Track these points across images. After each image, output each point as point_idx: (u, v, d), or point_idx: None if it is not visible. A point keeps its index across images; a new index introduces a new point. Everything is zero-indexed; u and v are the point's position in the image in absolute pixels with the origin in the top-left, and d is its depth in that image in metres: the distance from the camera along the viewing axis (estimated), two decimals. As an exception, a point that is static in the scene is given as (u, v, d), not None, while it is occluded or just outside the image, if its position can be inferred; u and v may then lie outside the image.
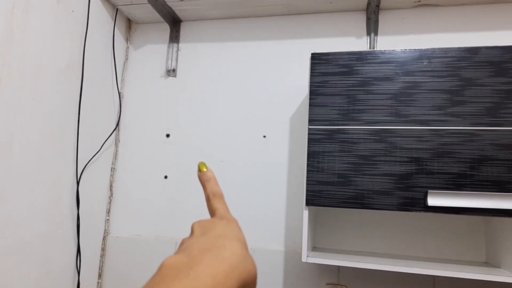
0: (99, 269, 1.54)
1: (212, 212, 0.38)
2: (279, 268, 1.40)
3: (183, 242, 0.33)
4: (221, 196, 0.40)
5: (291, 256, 1.40)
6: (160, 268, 0.27)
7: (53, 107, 1.26)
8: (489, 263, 1.23)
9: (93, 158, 1.48)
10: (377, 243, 1.35)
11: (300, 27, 1.55)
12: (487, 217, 1.23)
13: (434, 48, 1.12)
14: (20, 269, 1.15)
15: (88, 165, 1.45)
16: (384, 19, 1.47)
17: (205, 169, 0.42)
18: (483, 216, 1.06)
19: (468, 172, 1.04)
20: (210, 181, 0.41)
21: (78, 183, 1.38)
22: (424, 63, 1.12)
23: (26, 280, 1.17)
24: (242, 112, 1.55)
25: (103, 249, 1.56)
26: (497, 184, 1.03)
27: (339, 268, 1.35)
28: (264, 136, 1.51)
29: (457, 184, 1.04)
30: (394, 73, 1.13)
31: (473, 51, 1.10)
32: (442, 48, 1.12)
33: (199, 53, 1.64)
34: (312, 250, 1.28)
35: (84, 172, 1.42)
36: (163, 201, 1.56)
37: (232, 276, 0.27)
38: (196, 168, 1.55)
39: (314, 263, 1.35)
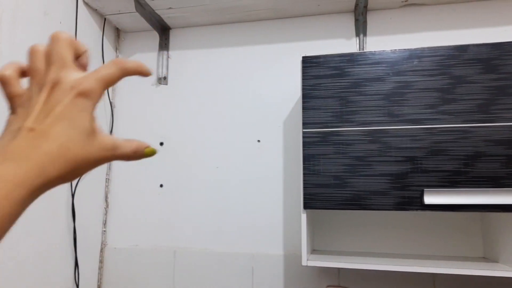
0: (98, 281, 1.53)
1: None
2: (279, 272, 1.40)
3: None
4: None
5: (291, 259, 1.40)
6: None
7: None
8: (487, 258, 1.24)
9: (87, 170, 1.46)
10: (376, 243, 1.35)
11: (289, 30, 1.56)
12: (483, 212, 1.25)
13: (423, 48, 1.13)
14: (17, 286, 1.14)
15: (82, 177, 1.43)
16: (372, 20, 1.48)
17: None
18: (479, 212, 1.07)
19: (462, 169, 1.05)
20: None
21: (73, 195, 1.37)
22: (414, 63, 1.13)
23: (24, 297, 1.16)
24: (235, 117, 1.55)
25: (101, 261, 1.55)
26: (491, 179, 1.04)
27: (339, 270, 1.35)
28: (259, 141, 1.51)
29: (452, 182, 1.05)
30: (385, 73, 1.14)
31: (462, 49, 1.11)
32: (431, 47, 1.13)
33: (190, 60, 1.64)
34: (312, 253, 1.28)
35: (78, 184, 1.41)
36: (160, 209, 1.55)
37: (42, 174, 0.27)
38: (191, 177, 1.54)
39: (314, 266, 1.35)
